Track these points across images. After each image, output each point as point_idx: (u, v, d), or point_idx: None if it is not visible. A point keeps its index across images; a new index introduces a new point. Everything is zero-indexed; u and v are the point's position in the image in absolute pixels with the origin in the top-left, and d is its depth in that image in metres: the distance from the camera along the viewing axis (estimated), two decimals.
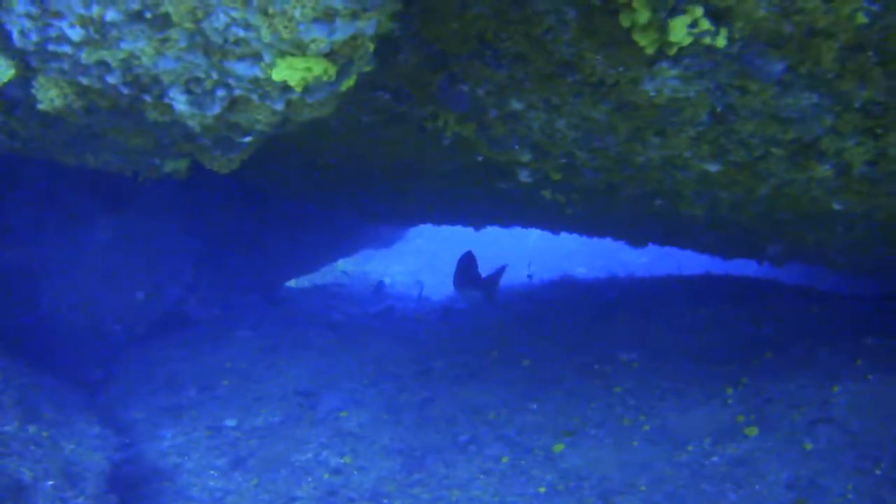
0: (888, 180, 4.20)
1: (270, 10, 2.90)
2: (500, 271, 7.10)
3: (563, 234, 8.38)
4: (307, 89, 3.27)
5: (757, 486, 4.91)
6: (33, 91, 3.74)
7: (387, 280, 13.15)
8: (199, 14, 3.03)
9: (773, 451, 5.17)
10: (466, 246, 7.03)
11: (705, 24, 3.16)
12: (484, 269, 6.92)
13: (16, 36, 3.43)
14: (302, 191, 8.20)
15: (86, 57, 3.43)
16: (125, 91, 3.59)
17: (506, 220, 8.12)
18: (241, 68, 3.23)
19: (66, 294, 7.19)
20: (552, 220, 7.49)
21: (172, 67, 3.34)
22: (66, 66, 3.54)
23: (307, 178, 7.32)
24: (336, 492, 5.41)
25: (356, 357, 7.49)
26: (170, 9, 3.08)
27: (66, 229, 7.32)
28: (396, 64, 4.32)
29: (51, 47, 3.44)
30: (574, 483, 5.28)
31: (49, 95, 3.69)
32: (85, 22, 3.25)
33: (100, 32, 3.28)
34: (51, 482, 4.63)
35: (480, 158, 5.43)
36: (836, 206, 4.54)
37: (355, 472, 5.63)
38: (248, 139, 3.93)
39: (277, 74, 3.16)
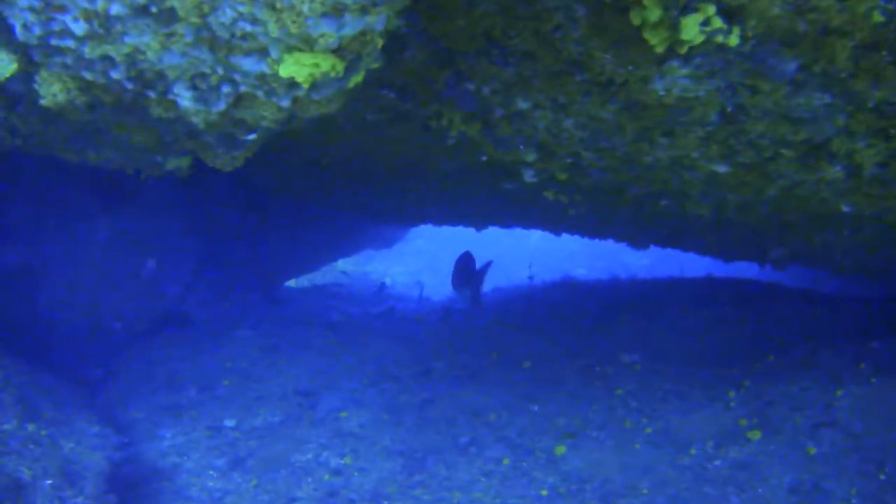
0: None
1: (278, 5, 2.86)
2: (485, 269, 7.02)
3: (565, 236, 8.36)
4: (314, 86, 3.23)
5: (760, 490, 4.89)
6: (36, 86, 3.70)
7: (388, 281, 13.14)
8: (206, 8, 3.00)
9: (776, 454, 5.15)
10: (467, 247, 7.01)
11: (718, 23, 3.13)
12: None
13: (18, 30, 3.39)
14: (303, 190, 8.16)
15: (89, 51, 3.39)
16: (129, 86, 3.55)
17: (508, 221, 8.09)
18: (248, 64, 3.20)
19: (66, 292, 7.16)
20: (555, 221, 7.46)
21: (178, 63, 3.30)
22: (69, 60, 3.50)
23: (309, 176, 7.29)
24: (336, 493, 5.38)
25: (356, 357, 7.46)
26: (176, 3, 3.04)
27: (65, 228, 7.29)
28: (402, 61, 4.29)
29: (54, 41, 3.40)
30: (576, 486, 5.25)
31: (52, 90, 3.65)
32: (89, 16, 3.21)
33: (104, 27, 3.24)
34: (49, 481, 4.60)
35: (484, 158, 5.40)
36: (845, 209, 4.51)
37: (356, 473, 5.60)
38: (252, 136, 3.89)
39: (284, 70, 3.13)
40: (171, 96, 3.54)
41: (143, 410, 6.42)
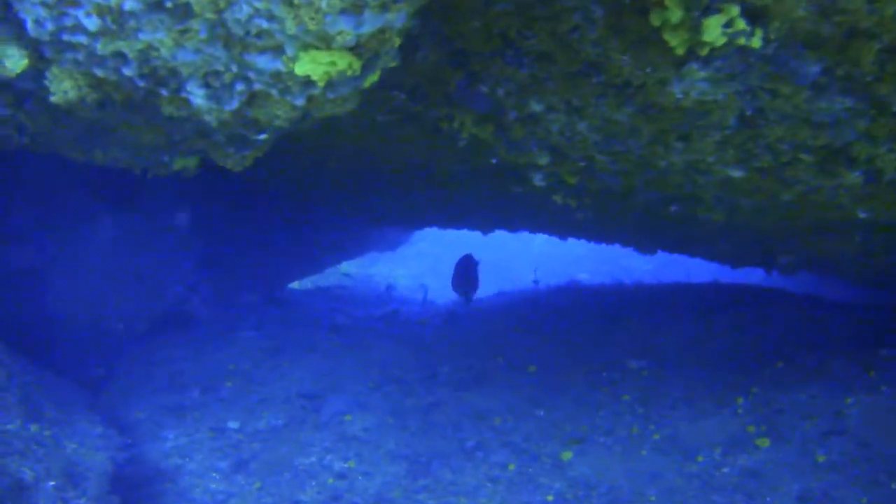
0: None
1: (296, 1, 2.82)
2: (474, 268, 6.91)
3: (570, 240, 8.33)
4: (330, 84, 3.18)
5: (768, 499, 4.86)
6: (46, 82, 3.65)
7: (391, 283, 13.10)
8: (222, 4, 2.95)
9: (785, 462, 5.11)
10: (471, 250, 6.98)
11: (741, 24, 3.08)
12: (485, 272, 6.86)
13: (30, 25, 3.35)
14: (308, 191, 8.12)
15: (102, 48, 3.35)
16: (141, 84, 3.50)
17: (515, 225, 8.06)
18: (263, 62, 3.15)
19: (69, 292, 7.11)
20: (562, 225, 7.42)
21: (191, 60, 3.25)
22: (81, 56, 3.45)
23: (316, 177, 7.24)
24: (340, 497, 5.34)
25: (360, 360, 7.42)
26: None
27: (69, 227, 7.24)
28: (414, 62, 4.24)
29: (66, 37, 3.35)
30: (583, 492, 5.21)
31: (62, 87, 3.61)
32: (102, 11, 3.16)
33: (117, 22, 3.19)
34: (52, 482, 4.55)
35: (494, 161, 5.36)
36: (861, 215, 4.47)
37: (360, 477, 5.56)
38: (263, 136, 3.85)
39: (300, 68, 3.08)
40: (183, 94, 3.50)
41: (146, 411, 6.38)
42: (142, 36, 3.20)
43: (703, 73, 3.56)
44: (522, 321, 8.58)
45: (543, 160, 4.87)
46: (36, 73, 3.72)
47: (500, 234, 9.07)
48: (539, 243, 15.11)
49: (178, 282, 8.11)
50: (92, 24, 3.23)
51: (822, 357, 6.17)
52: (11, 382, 5.23)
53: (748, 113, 3.81)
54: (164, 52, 3.25)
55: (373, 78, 3.28)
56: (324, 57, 3.01)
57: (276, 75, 3.22)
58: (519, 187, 5.88)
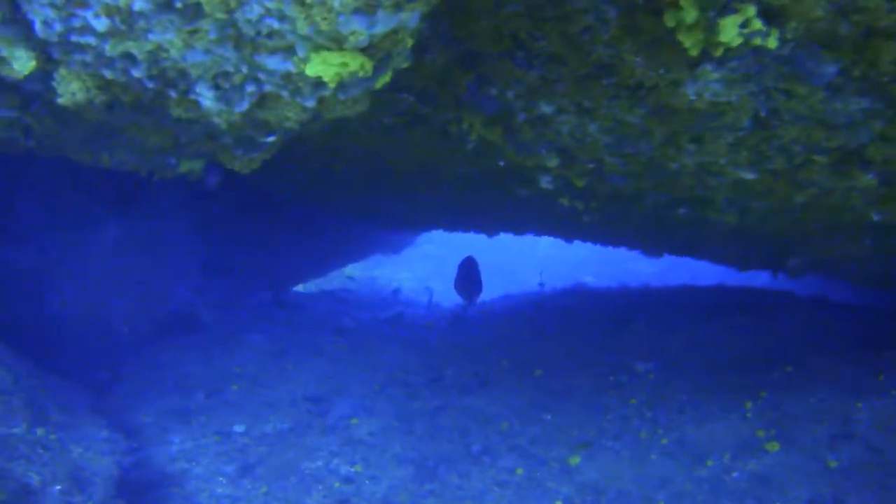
0: None
1: (308, 0, 2.78)
2: (476, 269, 6.86)
3: (576, 243, 8.30)
4: (341, 85, 3.15)
5: None
6: (54, 84, 3.62)
7: (396, 286, 13.09)
8: (233, 3, 2.92)
9: (795, 467, 5.08)
10: (477, 252, 6.96)
11: (757, 24, 3.05)
12: (490, 275, 6.83)
13: (38, 26, 3.32)
14: (313, 194, 8.10)
15: (110, 49, 3.32)
16: (150, 85, 3.47)
17: (520, 228, 8.03)
18: (273, 63, 3.12)
19: (74, 295, 7.08)
20: (568, 228, 7.39)
21: (201, 61, 3.22)
22: (89, 58, 3.42)
23: (320, 180, 7.22)
24: (347, 501, 5.31)
25: (366, 363, 7.39)
26: None
27: (74, 230, 7.22)
28: (423, 64, 4.21)
29: (74, 38, 3.33)
30: (591, 497, 5.18)
31: (70, 89, 3.58)
32: (111, 11, 3.14)
33: (126, 23, 3.16)
34: (58, 486, 4.52)
35: (502, 163, 5.33)
36: (875, 217, 4.44)
37: (366, 481, 5.53)
38: (272, 138, 3.82)
39: (311, 69, 3.05)
40: (192, 96, 3.47)
41: (152, 414, 6.34)
42: (151, 37, 3.17)
43: (716, 75, 3.52)
44: (528, 324, 8.55)
45: (552, 162, 4.83)
46: (44, 74, 3.69)
47: (505, 237, 9.05)
48: (544, 246, 15.11)
49: (183, 284, 8.09)
50: (101, 24, 3.20)
51: (830, 360, 6.14)
52: (17, 386, 5.20)
53: (762, 114, 3.78)
54: (173, 53, 3.22)
55: (384, 79, 3.25)
56: (335, 58, 2.98)
57: (287, 76, 3.19)
58: (526, 190, 5.85)
